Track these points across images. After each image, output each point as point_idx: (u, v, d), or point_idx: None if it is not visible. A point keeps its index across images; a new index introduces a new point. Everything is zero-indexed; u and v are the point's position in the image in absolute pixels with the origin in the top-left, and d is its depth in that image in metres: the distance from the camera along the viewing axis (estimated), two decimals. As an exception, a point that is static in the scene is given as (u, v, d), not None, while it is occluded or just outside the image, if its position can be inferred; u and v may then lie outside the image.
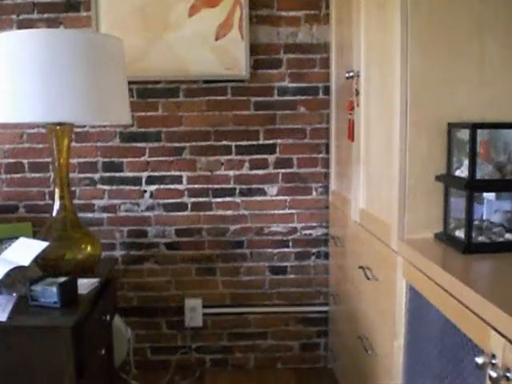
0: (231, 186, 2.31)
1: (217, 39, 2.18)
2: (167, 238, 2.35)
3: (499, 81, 1.32)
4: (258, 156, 2.31)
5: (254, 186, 2.32)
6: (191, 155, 2.31)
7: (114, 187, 2.32)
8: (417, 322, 1.28)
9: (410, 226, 1.36)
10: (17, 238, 2.01)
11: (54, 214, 1.78)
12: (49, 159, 2.28)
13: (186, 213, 2.34)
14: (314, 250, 2.38)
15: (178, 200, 2.33)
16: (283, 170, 2.33)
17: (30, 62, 1.57)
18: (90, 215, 2.29)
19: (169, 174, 2.32)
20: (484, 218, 1.33)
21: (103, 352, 1.74)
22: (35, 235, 2.04)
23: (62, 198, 1.78)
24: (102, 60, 1.63)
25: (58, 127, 1.74)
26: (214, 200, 2.32)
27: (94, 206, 2.32)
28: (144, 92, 2.23)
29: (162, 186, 2.32)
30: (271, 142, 2.30)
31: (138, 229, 2.35)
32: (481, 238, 1.25)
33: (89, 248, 1.78)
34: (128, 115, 1.81)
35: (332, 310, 2.34)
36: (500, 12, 1.30)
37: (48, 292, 1.47)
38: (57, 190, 1.78)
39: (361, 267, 1.68)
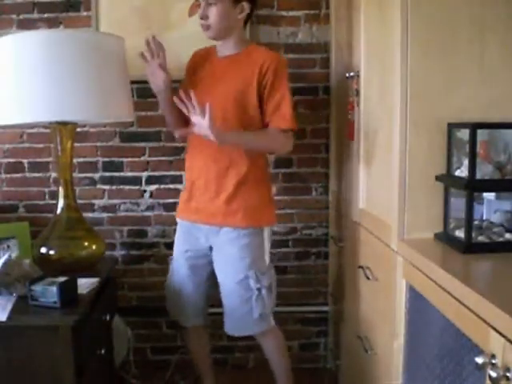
0: (231, 185, 2.30)
1: (217, 39, 2.17)
2: (167, 237, 2.34)
3: (499, 81, 1.31)
4: (258, 156, 2.30)
5: (253, 186, 2.31)
6: (191, 155, 2.30)
7: (114, 187, 2.32)
8: (417, 322, 1.28)
9: (409, 226, 1.36)
10: (14, 237, 2.01)
11: (59, 212, 1.79)
12: (49, 159, 2.28)
13: (185, 213, 2.33)
14: (314, 250, 2.37)
15: (178, 200, 2.33)
16: (283, 170, 2.32)
17: (33, 62, 1.57)
18: (89, 215, 2.28)
19: (169, 173, 2.31)
20: (484, 217, 1.33)
21: (103, 352, 1.74)
22: (33, 235, 2.04)
23: (66, 197, 1.79)
24: (103, 58, 1.63)
25: (61, 126, 1.75)
26: (213, 200, 2.31)
27: (94, 206, 2.32)
28: (144, 92, 2.22)
29: (161, 186, 2.32)
30: (271, 141, 2.29)
31: (137, 229, 2.35)
32: (481, 238, 1.25)
33: (94, 245, 1.80)
34: (131, 112, 1.81)
35: (332, 309, 2.34)
36: (500, 12, 1.30)
37: (48, 292, 1.47)
38: (61, 189, 1.79)
39: (360, 267, 1.68)
